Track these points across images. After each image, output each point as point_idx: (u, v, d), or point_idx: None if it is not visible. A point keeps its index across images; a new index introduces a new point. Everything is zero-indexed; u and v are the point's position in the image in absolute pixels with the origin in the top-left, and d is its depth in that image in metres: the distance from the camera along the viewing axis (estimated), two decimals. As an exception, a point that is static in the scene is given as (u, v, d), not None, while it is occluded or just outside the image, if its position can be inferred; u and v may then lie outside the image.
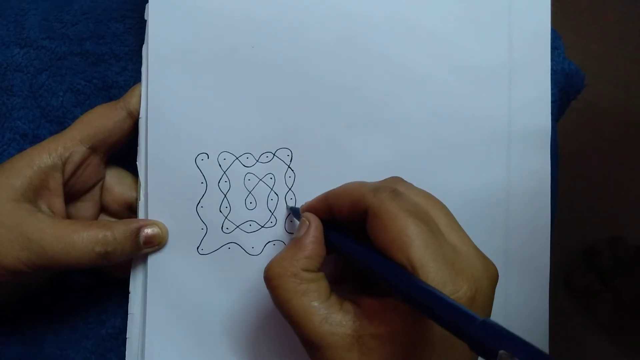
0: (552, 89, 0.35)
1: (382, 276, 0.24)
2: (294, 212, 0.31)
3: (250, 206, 0.32)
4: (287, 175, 0.32)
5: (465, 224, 0.34)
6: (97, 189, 0.32)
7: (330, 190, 0.29)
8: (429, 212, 0.26)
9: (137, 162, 0.31)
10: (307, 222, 0.28)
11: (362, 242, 0.26)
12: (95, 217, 0.33)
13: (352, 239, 0.27)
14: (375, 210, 0.25)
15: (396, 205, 0.25)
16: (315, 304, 0.24)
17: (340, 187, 0.28)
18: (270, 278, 0.26)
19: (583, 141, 1.03)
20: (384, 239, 0.24)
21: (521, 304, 0.35)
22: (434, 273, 0.23)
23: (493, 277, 0.25)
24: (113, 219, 0.33)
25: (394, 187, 0.26)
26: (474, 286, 0.23)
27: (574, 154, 1.01)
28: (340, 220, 0.28)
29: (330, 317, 0.24)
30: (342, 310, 0.25)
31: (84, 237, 0.28)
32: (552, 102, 0.35)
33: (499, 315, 0.35)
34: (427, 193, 0.27)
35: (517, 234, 0.35)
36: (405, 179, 0.33)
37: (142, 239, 0.30)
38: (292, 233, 0.32)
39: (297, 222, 0.32)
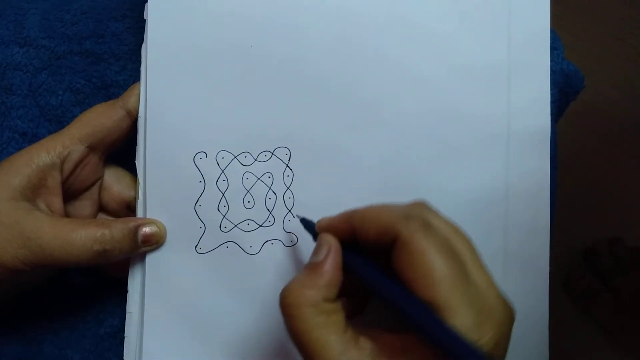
0: (551, 89, 0.35)
1: (407, 313, 0.23)
2: (306, 225, 0.30)
3: (248, 205, 0.32)
4: (285, 174, 0.32)
5: (464, 224, 0.34)
6: (95, 188, 0.33)
7: (355, 211, 0.27)
8: (456, 248, 0.25)
9: (135, 161, 0.31)
10: (328, 246, 0.26)
11: (384, 271, 0.25)
12: (94, 216, 0.33)
13: (373, 266, 0.25)
14: (406, 242, 0.24)
15: (428, 239, 0.24)
16: (333, 338, 0.23)
17: (367, 209, 0.27)
18: (287, 306, 0.24)
19: (582, 142, 1.03)
20: (412, 273, 0.23)
21: (521, 304, 0.35)
22: (461, 317, 0.22)
23: (512, 320, 0.25)
24: (111, 218, 0.33)
25: (425, 217, 0.25)
26: (498, 332, 0.23)
27: (573, 154, 1.01)
28: (362, 243, 0.26)
29: (347, 353, 0.23)
30: (358, 346, 0.24)
31: (82, 236, 0.28)
32: (551, 102, 0.35)
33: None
34: (455, 225, 0.26)
35: (517, 234, 0.35)
36: (404, 179, 0.33)
37: (140, 238, 0.30)
38: (290, 232, 0.32)
39: (302, 228, 0.31)
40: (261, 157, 0.32)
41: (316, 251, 0.26)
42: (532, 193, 0.35)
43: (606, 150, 1.04)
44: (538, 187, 0.35)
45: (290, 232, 0.32)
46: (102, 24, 0.35)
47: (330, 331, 0.24)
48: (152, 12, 0.31)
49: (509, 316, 0.24)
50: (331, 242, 0.26)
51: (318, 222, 0.28)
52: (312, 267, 0.26)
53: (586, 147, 1.03)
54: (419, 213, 0.25)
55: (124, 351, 0.32)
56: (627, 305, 0.97)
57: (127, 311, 0.32)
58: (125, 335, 0.32)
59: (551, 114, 0.35)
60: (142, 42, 0.31)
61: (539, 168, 0.35)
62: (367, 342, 0.24)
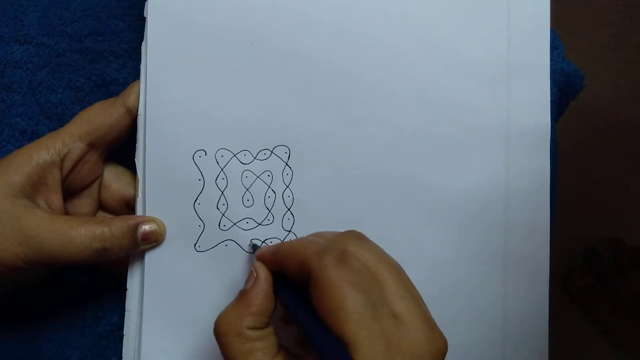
0: (551, 88, 0.35)
1: (316, 347, 0.23)
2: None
3: (247, 203, 0.32)
4: (284, 172, 0.32)
5: (464, 224, 0.34)
6: (95, 186, 0.33)
7: (281, 245, 0.28)
8: (378, 277, 0.25)
9: (135, 159, 0.31)
10: (254, 274, 0.27)
11: (305, 304, 0.25)
12: (93, 214, 0.33)
13: (297, 298, 0.26)
14: (317, 278, 0.24)
15: (338, 274, 0.24)
16: None
17: (290, 243, 0.27)
18: (217, 335, 0.26)
19: (581, 141, 1.03)
20: (322, 309, 0.24)
21: (520, 304, 0.35)
22: (367, 352, 0.22)
23: (439, 352, 0.24)
24: (111, 216, 0.33)
25: (343, 247, 0.25)
26: None
27: (573, 153, 1.01)
28: (289, 276, 0.27)
29: None
30: None
31: (81, 233, 0.28)
32: (551, 101, 0.35)
33: (497, 315, 0.35)
34: (381, 253, 0.26)
35: (516, 234, 0.35)
36: (404, 178, 0.33)
37: (139, 236, 0.30)
38: (289, 231, 0.32)
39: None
40: (260, 156, 0.32)
41: (246, 280, 0.27)
42: (532, 192, 0.35)
43: (606, 150, 1.04)
44: (538, 187, 0.35)
45: (289, 231, 0.32)
46: (101, 22, 0.35)
47: (257, 357, 0.24)
48: (152, 10, 0.31)
49: (432, 349, 0.24)
50: (259, 271, 0.27)
51: (257, 251, 0.29)
52: (240, 295, 0.27)
53: (586, 147, 1.03)
54: (341, 245, 0.26)
55: (123, 349, 0.32)
56: (627, 305, 0.97)
57: (126, 309, 0.32)
58: (124, 333, 0.32)
59: (551, 114, 0.35)
60: (142, 40, 0.31)
61: (539, 167, 0.35)
62: None
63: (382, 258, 0.26)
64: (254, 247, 0.31)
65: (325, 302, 0.23)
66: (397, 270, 0.26)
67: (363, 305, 0.23)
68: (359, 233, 0.28)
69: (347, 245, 0.26)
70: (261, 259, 0.28)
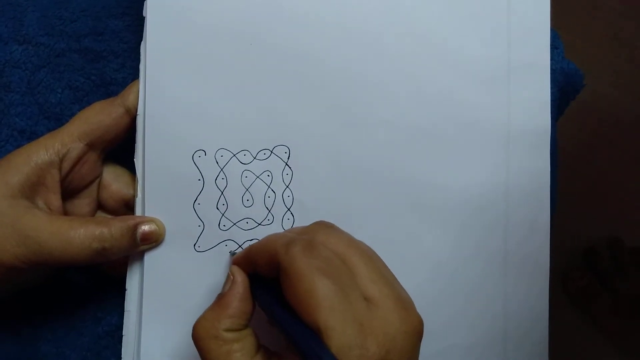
0: (551, 88, 0.35)
1: (289, 337, 0.23)
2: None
3: (247, 203, 0.32)
4: (284, 172, 0.32)
5: (464, 223, 0.34)
6: (94, 186, 0.32)
7: (253, 245, 0.28)
8: (348, 262, 0.25)
9: (134, 159, 0.31)
10: (231, 277, 0.27)
11: (280, 301, 0.25)
12: (93, 214, 0.33)
13: (272, 296, 0.26)
14: (285, 269, 0.24)
15: (306, 263, 0.24)
16: None
17: (261, 241, 0.28)
18: (195, 339, 0.26)
19: (580, 141, 1.03)
20: (294, 299, 0.24)
21: (520, 304, 0.35)
22: (340, 336, 0.22)
23: (413, 331, 0.24)
24: (110, 216, 0.33)
25: (311, 237, 0.25)
26: (384, 346, 0.23)
27: (573, 153, 1.01)
28: (264, 275, 0.27)
29: None
30: None
31: (80, 234, 0.28)
32: (552, 101, 0.35)
33: (497, 314, 0.35)
34: (350, 239, 0.27)
35: (517, 233, 0.35)
36: (403, 178, 0.33)
37: (139, 236, 0.30)
38: (289, 231, 0.32)
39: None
40: (260, 156, 0.32)
41: (224, 284, 0.28)
42: (532, 192, 0.35)
43: (606, 150, 1.04)
44: (538, 187, 0.35)
45: (289, 231, 0.32)
46: (101, 22, 0.35)
47: (235, 357, 0.24)
48: (151, 10, 0.31)
49: (407, 328, 0.24)
50: (235, 274, 0.27)
51: (234, 256, 0.29)
52: (217, 299, 0.27)
53: (586, 147, 1.03)
54: (309, 235, 0.26)
55: (122, 350, 0.32)
56: (627, 305, 0.97)
57: (125, 310, 0.32)
58: (123, 333, 0.32)
59: (551, 113, 0.35)
60: (141, 40, 0.31)
61: (539, 167, 0.35)
62: None
63: (351, 244, 0.26)
64: (233, 254, 0.31)
65: (295, 292, 0.24)
66: (367, 254, 0.26)
67: (333, 291, 0.23)
68: (328, 222, 0.28)
69: (315, 234, 0.26)
70: (236, 262, 0.28)
